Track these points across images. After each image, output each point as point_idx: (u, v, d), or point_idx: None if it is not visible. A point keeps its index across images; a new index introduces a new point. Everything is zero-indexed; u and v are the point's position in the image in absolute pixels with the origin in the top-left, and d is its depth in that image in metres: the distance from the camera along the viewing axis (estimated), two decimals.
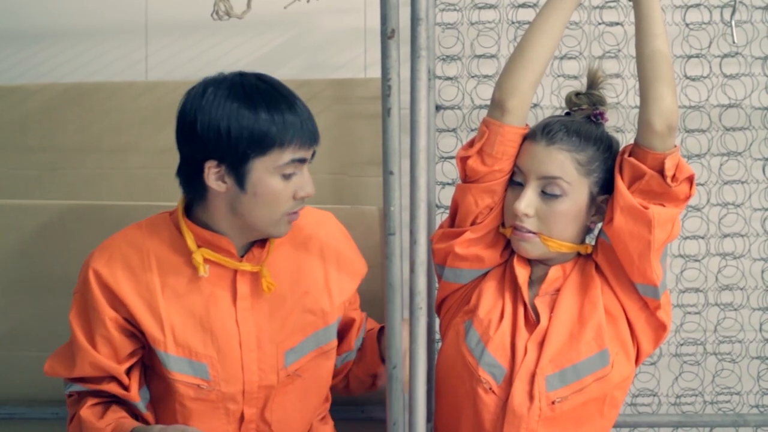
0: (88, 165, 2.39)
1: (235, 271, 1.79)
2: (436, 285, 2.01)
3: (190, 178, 1.74)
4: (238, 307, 1.79)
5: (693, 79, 2.49)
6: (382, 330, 1.99)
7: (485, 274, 1.89)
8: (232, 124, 1.66)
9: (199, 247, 1.77)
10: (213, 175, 1.70)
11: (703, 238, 2.54)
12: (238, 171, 1.69)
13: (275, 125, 1.67)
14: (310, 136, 1.71)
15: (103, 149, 2.40)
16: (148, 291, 1.76)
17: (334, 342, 1.90)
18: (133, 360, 1.80)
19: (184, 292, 1.77)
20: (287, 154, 1.69)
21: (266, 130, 1.66)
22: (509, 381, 1.79)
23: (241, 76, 1.72)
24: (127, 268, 1.76)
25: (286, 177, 1.71)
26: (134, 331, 1.77)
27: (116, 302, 1.75)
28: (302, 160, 1.72)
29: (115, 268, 1.76)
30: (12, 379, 2.23)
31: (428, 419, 2.01)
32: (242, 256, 1.80)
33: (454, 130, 2.51)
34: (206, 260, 1.77)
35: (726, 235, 2.54)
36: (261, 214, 1.73)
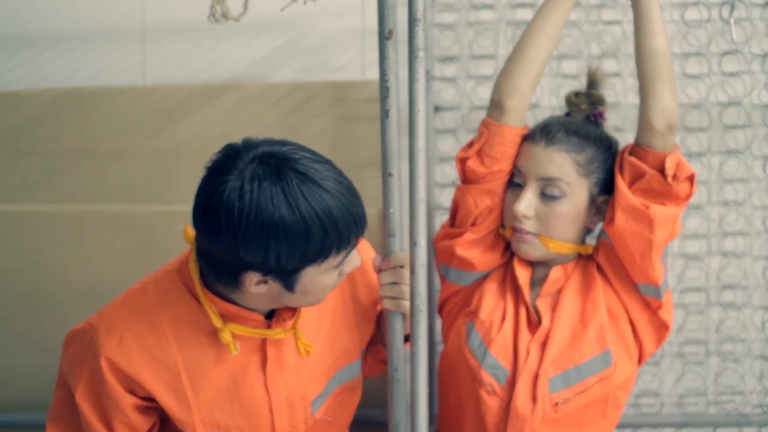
0: (85, 170, 2.38)
1: (265, 339, 1.65)
2: (437, 287, 2.00)
3: (223, 276, 1.55)
4: (267, 372, 1.66)
5: (692, 77, 2.48)
6: (381, 314, 1.89)
7: (486, 276, 1.88)
8: (282, 247, 1.45)
9: (224, 320, 1.60)
10: (255, 282, 1.52)
11: (704, 237, 2.53)
12: (286, 280, 1.52)
13: (330, 238, 1.47)
14: (362, 228, 1.53)
15: (101, 154, 2.39)
16: (169, 373, 1.61)
17: (359, 378, 1.82)
18: None
19: (210, 369, 1.62)
20: (342, 255, 1.53)
21: (321, 248, 1.47)
22: (512, 383, 1.78)
23: (278, 168, 1.45)
24: (142, 349, 1.60)
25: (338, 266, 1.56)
26: (153, 405, 1.65)
27: (134, 386, 1.61)
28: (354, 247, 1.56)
29: (129, 353, 1.59)
30: (12, 386, 2.23)
31: (430, 422, 2.00)
32: (268, 318, 1.65)
33: (453, 131, 2.50)
34: (234, 335, 1.61)
35: (727, 234, 2.53)
36: (307, 301, 1.60)
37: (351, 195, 1.51)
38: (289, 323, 1.65)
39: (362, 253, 1.80)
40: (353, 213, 1.50)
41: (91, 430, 1.63)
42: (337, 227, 1.47)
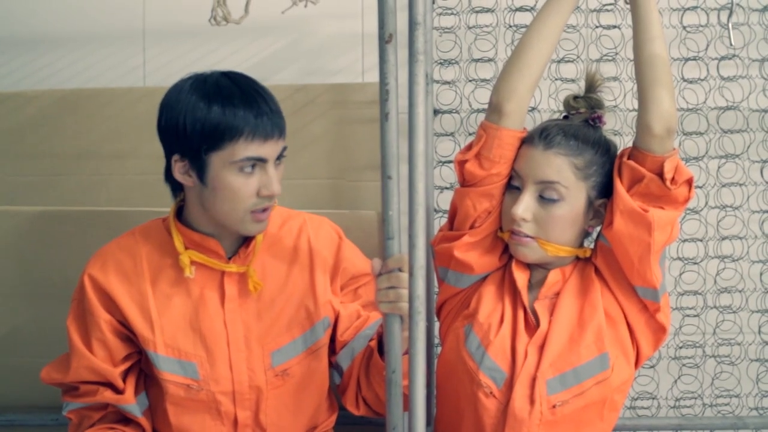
0: (86, 171, 2.39)
1: (223, 273, 1.82)
2: (436, 289, 2.01)
3: (168, 173, 1.79)
4: (226, 308, 1.82)
5: (690, 82, 2.49)
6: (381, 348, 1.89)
7: (484, 278, 1.89)
8: (187, 118, 1.70)
9: (187, 248, 1.81)
10: (179, 169, 1.74)
11: (701, 240, 2.54)
12: (198, 165, 1.72)
13: (226, 118, 1.68)
14: (264, 130, 1.71)
15: (102, 155, 2.40)
16: (139, 294, 1.80)
17: (323, 341, 1.90)
18: (128, 364, 1.83)
19: (174, 294, 1.81)
20: (240, 150, 1.69)
21: (216, 123, 1.68)
22: (510, 385, 1.79)
23: (211, 74, 1.76)
24: (120, 272, 1.81)
25: (246, 173, 1.71)
26: (128, 334, 1.81)
27: (110, 305, 1.80)
28: (260, 159, 1.72)
29: (109, 273, 1.81)
30: (11, 386, 2.23)
31: (428, 423, 2.00)
32: (230, 258, 1.83)
33: (452, 134, 2.51)
34: (194, 262, 1.81)
35: (724, 238, 2.54)
36: (223, 209, 1.74)
37: (269, 107, 1.72)
38: (246, 260, 1.83)
39: (347, 249, 1.94)
40: (259, 113, 1.70)
41: (73, 348, 1.81)
42: (235, 113, 1.69)
